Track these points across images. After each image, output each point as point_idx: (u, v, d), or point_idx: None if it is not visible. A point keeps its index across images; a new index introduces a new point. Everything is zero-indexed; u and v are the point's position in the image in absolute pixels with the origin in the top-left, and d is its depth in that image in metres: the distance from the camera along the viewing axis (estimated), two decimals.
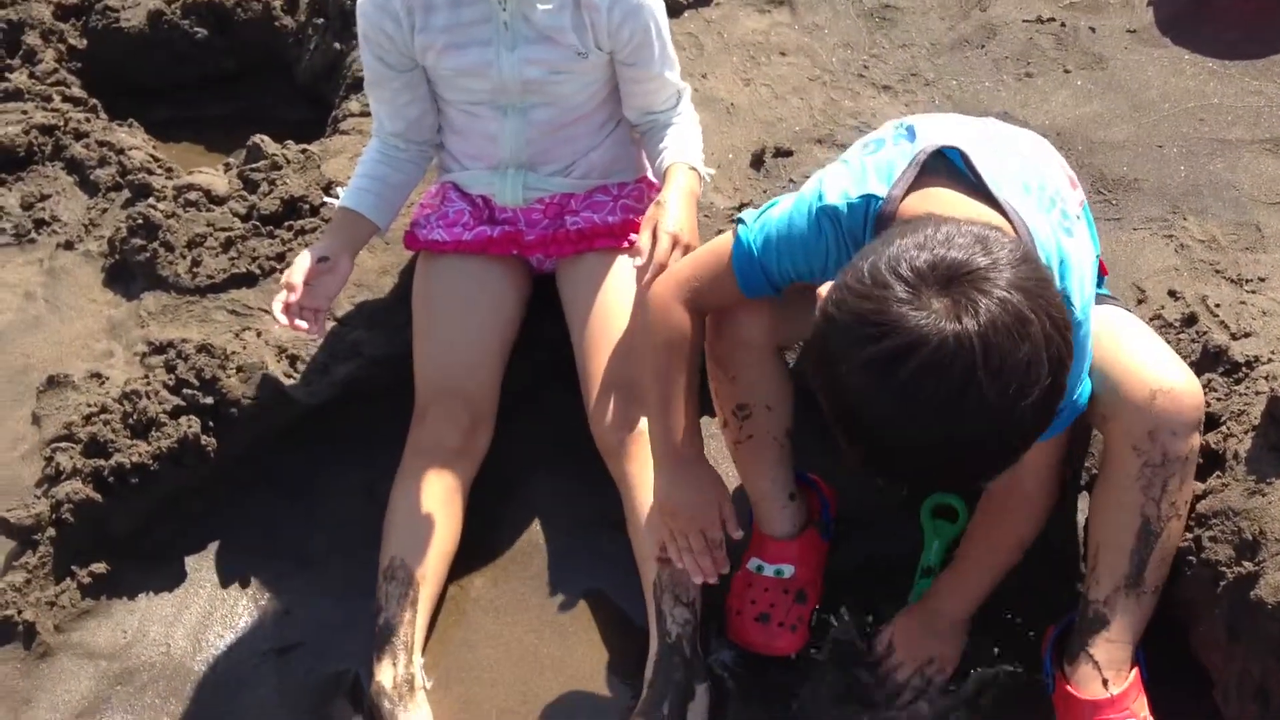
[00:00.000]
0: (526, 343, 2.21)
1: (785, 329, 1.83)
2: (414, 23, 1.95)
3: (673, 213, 1.90)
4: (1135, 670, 1.71)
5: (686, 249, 1.88)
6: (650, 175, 2.20)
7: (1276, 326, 1.93)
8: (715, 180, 2.40)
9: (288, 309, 1.90)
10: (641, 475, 1.97)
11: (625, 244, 2.11)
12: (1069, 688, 1.71)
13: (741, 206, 2.37)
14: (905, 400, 1.24)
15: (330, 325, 2.26)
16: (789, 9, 2.80)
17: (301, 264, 1.93)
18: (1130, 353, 1.68)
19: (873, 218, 1.56)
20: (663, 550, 1.87)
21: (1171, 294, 2.07)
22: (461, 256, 2.14)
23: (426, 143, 2.13)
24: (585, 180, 2.15)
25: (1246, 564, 1.62)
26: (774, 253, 1.67)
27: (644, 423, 2.00)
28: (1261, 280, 2.07)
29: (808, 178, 2.38)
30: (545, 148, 2.10)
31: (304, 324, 1.91)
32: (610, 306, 2.07)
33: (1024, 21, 2.66)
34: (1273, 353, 1.86)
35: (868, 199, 1.57)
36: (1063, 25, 2.63)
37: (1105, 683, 1.69)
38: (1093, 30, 2.61)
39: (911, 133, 1.65)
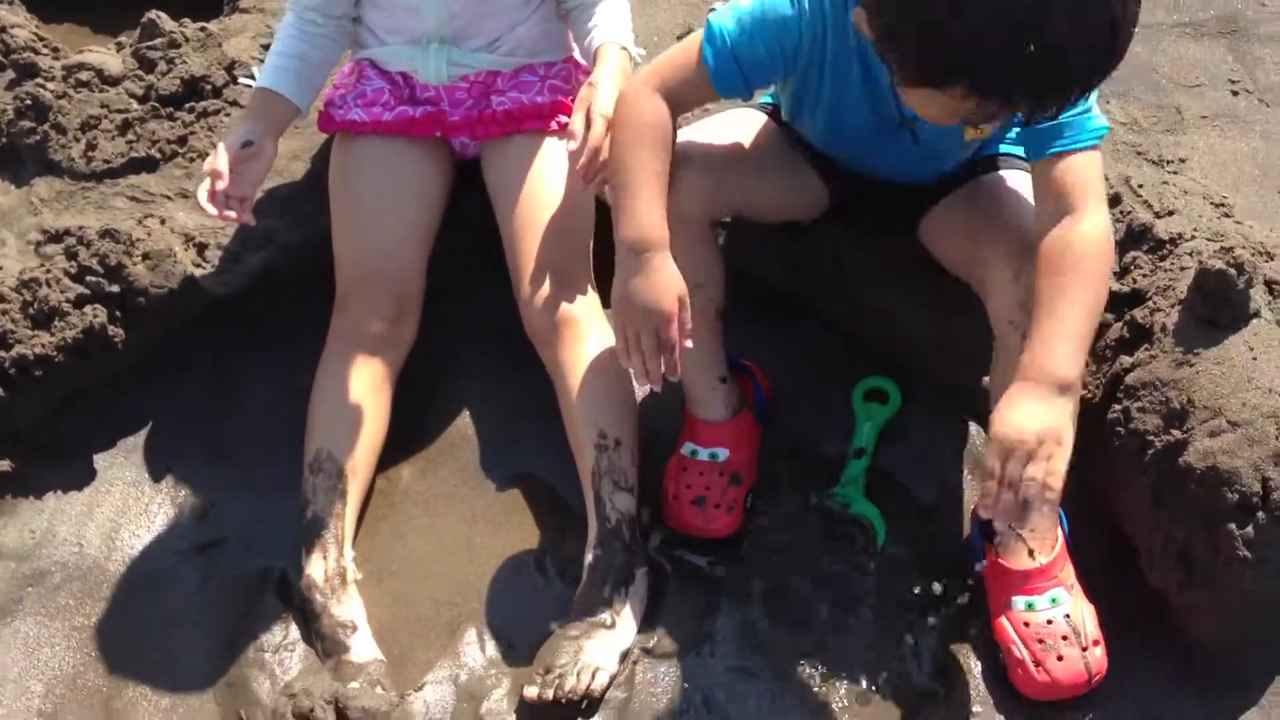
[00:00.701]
0: (450, 229, 2.15)
1: (719, 202, 1.83)
2: None
3: (606, 94, 1.83)
4: (1061, 541, 1.76)
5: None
6: (577, 56, 2.14)
7: (1198, 205, 1.98)
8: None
9: (214, 197, 1.81)
10: (574, 361, 1.95)
11: (554, 125, 2.06)
12: (999, 560, 1.76)
13: None
14: None
15: None
16: None
17: (225, 149, 1.84)
18: (1001, 228, 1.73)
19: None
20: (601, 437, 1.87)
21: None
22: (382, 138, 2.07)
23: (345, 17, 2.03)
24: (511, 58, 2.08)
25: (1175, 432, 1.66)
26: (746, 35, 1.67)
27: (577, 306, 1.97)
28: (1182, 161, 2.12)
29: None
30: (471, 20, 2.02)
31: (233, 213, 1.83)
32: (540, 189, 2.02)
33: None
34: (1195, 230, 1.90)
35: None
36: None
37: (1031, 553, 1.73)
38: None
39: None
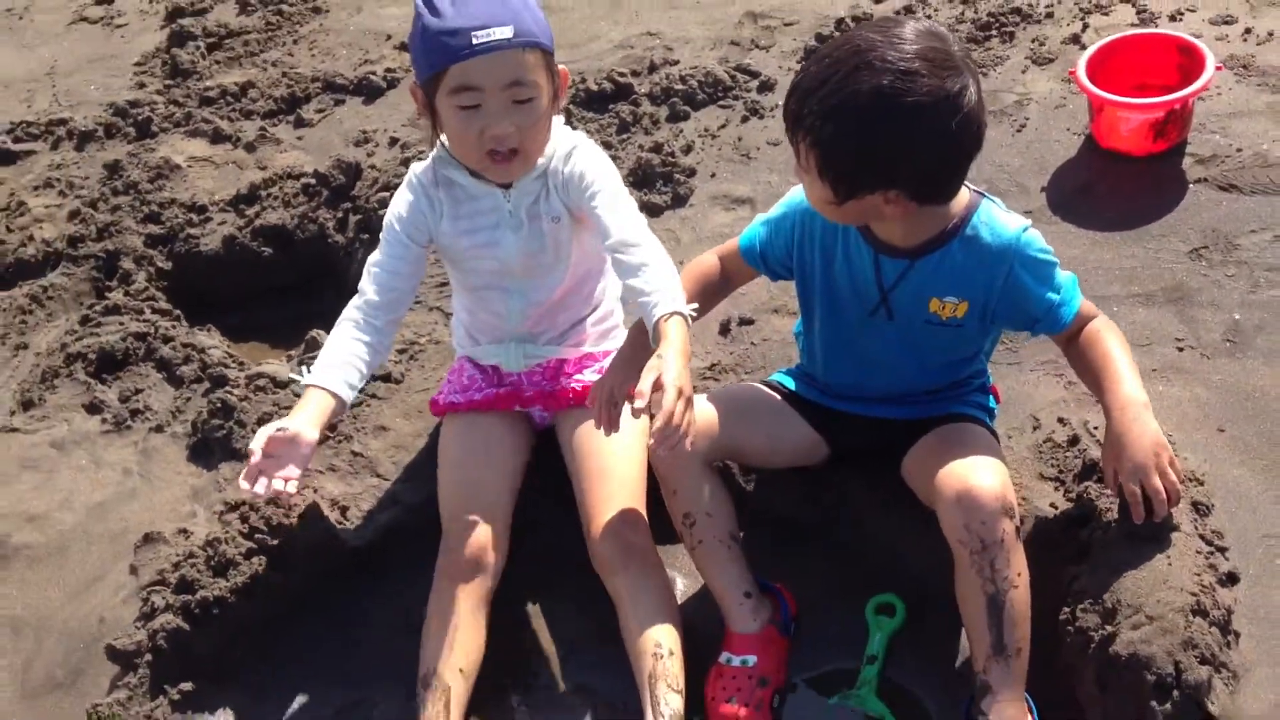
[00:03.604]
0: (533, 489, 2.54)
1: (713, 446, 2.23)
2: (443, 210, 2.41)
3: (674, 366, 2.01)
4: None
5: (688, 401, 2.01)
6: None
7: None
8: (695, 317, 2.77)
9: (248, 474, 2.17)
10: (633, 586, 2.27)
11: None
12: None
13: (712, 367, 2.77)
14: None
15: (376, 482, 2.66)
16: (750, 206, 3.26)
17: (260, 436, 2.20)
18: (951, 464, 2.04)
19: None
20: (657, 648, 2.18)
21: (1060, 420, 2.43)
22: (476, 413, 2.54)
23: (394, 323, 2.46)
24: (576, 349, 2.55)
25: (1108, 627, 1.93)
26: (765, 222, 2.31)
27: (635, 540, 2.31)
28: None
29: (766, 341, 2.82)
30: (540, 319, 2.51)
31: (260, 490, 2.16)
32: (602, 448, 2.40)
33: None
34: None
35: None
36: None
37: None
38: None
39: None
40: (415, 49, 2.26)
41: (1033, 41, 3.57)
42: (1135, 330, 2.63)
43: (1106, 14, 3.59)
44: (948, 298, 2.12)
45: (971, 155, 1.97)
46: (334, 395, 2.31)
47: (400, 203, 2.45)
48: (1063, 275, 2.12)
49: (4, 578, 2.67)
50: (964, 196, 2.09)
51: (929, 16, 3.77)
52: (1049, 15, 3.66)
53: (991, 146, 3.22)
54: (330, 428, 2.77)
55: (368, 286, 2.46)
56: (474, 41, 2.15)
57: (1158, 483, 1.95)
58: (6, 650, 2.52)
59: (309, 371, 2.35)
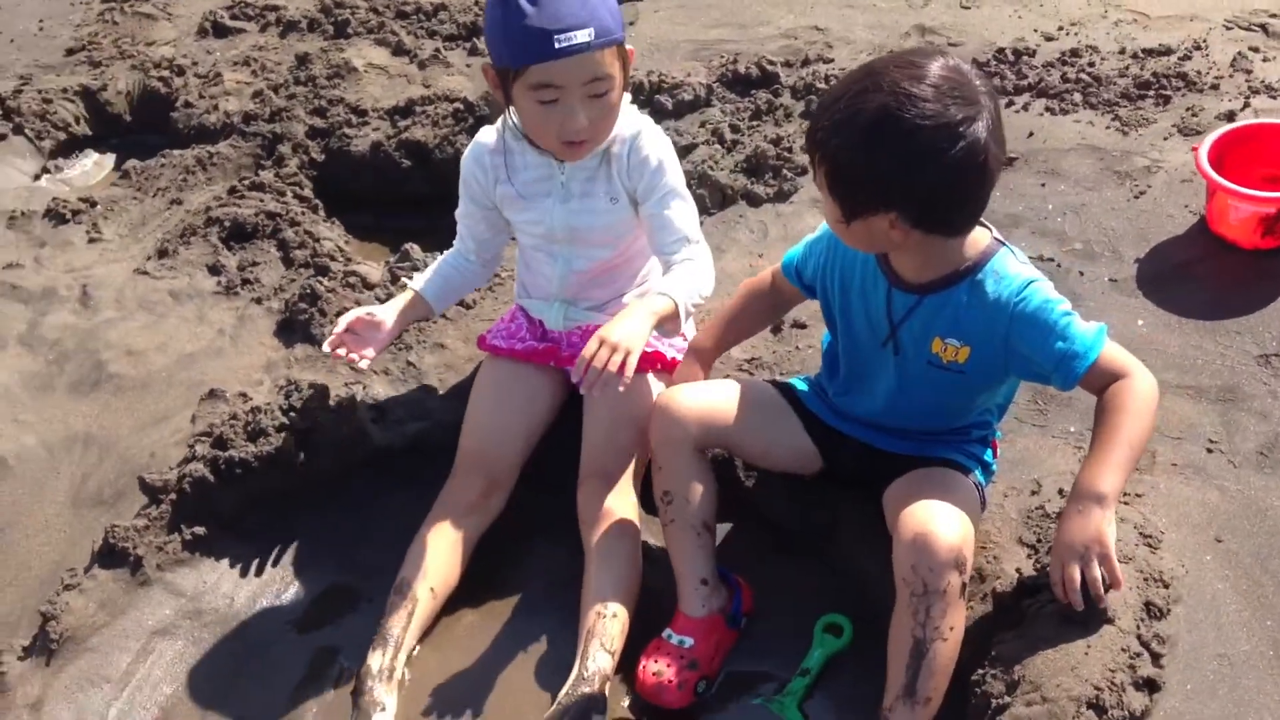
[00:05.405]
0: (562, 442, 2.63)
1: (705, 434, 2.27)
2: (498, 175, 2.50)
3: (616, 323, 2.13)
4: None
5: (612, 347, 2.08)
6: None
7: (1127, 532, 2.18)
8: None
9: (331, 342, 2.46)
10: (602, 546, 2.36)
11: (645, 367, 2.53)
12: None
13: (751, 360, 2.78)
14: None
15: (420, 394, 2.81)
16: None
17: (351, 314, 2.49)
18: (917, 505, 2.01)
19: None
20: (602, 606, 2.27)
21: (1060, 491, 2.34)
22: (512, 361, 2.64)
23: (490, 261, 2.68)
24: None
25: (1007, 698, 1.89)
26: (803, 244, 2.36)
27: (615, 504, 2.40)
28: (1138, 496, 2.31)
29: (812, 348, 2.81)
30: (582, 287, 2.58)
31: (341, 353, 2.44)
32: (618, 412, 2.49)
33: (1029, 257, 2.98)
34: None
35: None
36: (1058, 265, 2.93)
37: None
38: (1081, 274, 2.90)
39: None
40: (495, 37, 2.26)
41: (1186, 110, 3.38)
42: (1172, 421, 2.50)
43: (1274, 97, 3.36)
44: (949, 340, 2.08)
45: (975, 188, 1.91)
46: (424, 300, 2.62)
47: (463, 166, 2.57)
48: (1081, 325, 2.00)
49: (92, 398, 2.95)
50: (982, 241, 2.05)
51: (1092, 64, 3.61)
52: (1214, 87, 3.45)
53: (1103, 207, 3.09)
54: (397, 341, 2.92)
55: (461, 233, 2.67)
56: (557, 45, 2.17)
57: (1073, 572, 1.90)
58: (73, 460, 2.79)
59: (414, 277, 2.66)
